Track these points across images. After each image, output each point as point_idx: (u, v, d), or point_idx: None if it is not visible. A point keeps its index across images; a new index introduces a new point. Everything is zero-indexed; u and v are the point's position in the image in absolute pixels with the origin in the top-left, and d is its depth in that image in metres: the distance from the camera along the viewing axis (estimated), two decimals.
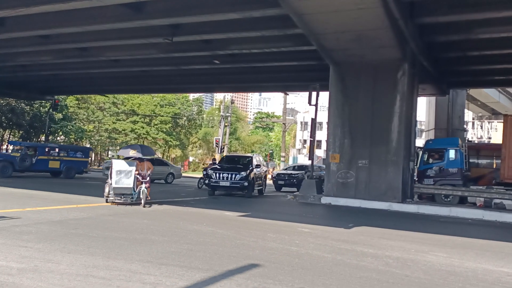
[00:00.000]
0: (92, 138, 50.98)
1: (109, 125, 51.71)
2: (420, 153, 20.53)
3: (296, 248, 7.96)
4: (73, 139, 48.74)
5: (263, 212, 13.88)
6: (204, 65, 24.09)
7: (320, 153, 47.30)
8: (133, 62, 25.01)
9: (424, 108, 33.33)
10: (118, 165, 13.37)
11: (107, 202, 13.10)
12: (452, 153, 19.19)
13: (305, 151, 54.36)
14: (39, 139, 42.71)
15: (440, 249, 8.89)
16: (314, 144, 21.73)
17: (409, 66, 17.17)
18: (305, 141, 61.26)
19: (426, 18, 15.78)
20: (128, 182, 13.05)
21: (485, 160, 22.78)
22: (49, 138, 42.63)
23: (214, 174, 18.60)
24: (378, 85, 17.55)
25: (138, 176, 13.22)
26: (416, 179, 19.74)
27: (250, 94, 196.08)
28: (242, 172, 18.41)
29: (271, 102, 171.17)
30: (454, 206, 17.08)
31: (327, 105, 19.28)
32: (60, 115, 43.72)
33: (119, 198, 13.08)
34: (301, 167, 28.10)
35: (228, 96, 50.65)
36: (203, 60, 23.01)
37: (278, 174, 27.52)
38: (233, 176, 18.32)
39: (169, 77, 29.28)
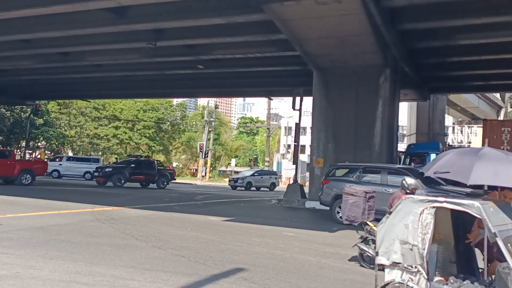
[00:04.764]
0: (74, 144, 50.32)
1: (91, 130, 51.08)
2: (402, 157, 20.80)
3: (281, 252, 7.98)
4: (54, 145, 48.03)
5: (247, 217, 13.87)
6: (188, 70, 24.03)
7: (304, 157, 47.46)
8: (116, 67, 24.82)
9: (406, 113, 33.83)
10: (493, 219, 3.90)
11: None
12: (433, 157, 19.46)
13: (289, 155, 54.54)
14: (19, 145, 42.01)
15: None
16: (298, 148, 21.85)
17: (391, 72, 17.39)
18: (289, 146, 61.51)
19: (407, 24, 16.03)
20: None
21: None
22: (30, 144, 41.96)
23: None
24: (360, 90, 17.71)
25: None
26: None
27: (234, 99, 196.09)
28: None
29: (255, 107, 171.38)
30: None
31: (311, 110, 19.40)
32: (41, 121, 43.08)
33: None
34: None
35: (212, 101, 50.64)
36: (186, 65, 22.94)
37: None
38: None
39: (152, 82, 29.08)
